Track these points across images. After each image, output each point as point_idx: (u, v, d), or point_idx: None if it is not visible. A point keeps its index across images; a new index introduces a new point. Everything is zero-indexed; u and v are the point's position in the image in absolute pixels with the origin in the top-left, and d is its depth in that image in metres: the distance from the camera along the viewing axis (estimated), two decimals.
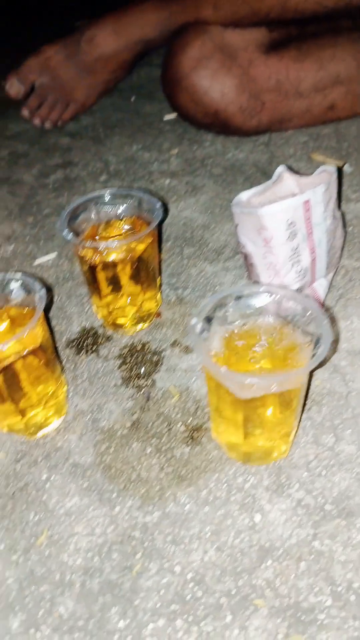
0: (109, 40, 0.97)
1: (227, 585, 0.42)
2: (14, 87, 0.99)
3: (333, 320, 0.61)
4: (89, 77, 1.03)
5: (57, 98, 1.03)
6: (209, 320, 0.46)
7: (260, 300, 0.47)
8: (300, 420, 0.52)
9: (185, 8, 0.89)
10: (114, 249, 0.55)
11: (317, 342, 0.43)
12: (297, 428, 0.51)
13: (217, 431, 0.49)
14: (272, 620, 0.40)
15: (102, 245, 0.55)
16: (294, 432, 0.48)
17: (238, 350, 0.46)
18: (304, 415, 0.52)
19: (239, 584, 0.42)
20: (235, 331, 0.47)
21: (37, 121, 1.04)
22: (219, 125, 0.91)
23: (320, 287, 0.62)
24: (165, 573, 0.43)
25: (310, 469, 0.48)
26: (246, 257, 0.61)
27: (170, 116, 1.03)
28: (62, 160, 0.97)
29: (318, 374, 0.56)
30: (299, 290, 0.59)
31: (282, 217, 0.55)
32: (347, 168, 0.83)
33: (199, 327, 0.44)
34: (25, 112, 1.03)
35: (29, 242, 0.79)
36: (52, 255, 0.76)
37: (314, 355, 0.41)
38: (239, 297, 0.47)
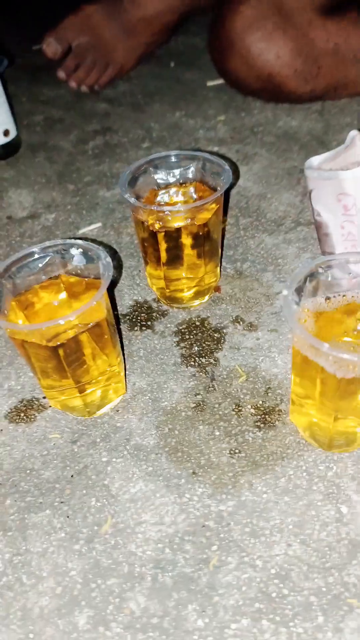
0: (154, 0, 0.91)
1: (316, 582, 0.38)
2: (51, 47, 0.93)
3: None
4: (129, 38, 0.97)
5: (95, 60, 0.97)
6: (299, 291, 0.41)
7: (355, 271, 0.43)
8: None
9: None
10: (180, 214, 0.51)
11: None
12: None
13: (299, 413, 0.45)
14: None
15: (167, 209, 0.50)
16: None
17: (330, 327, 0.41)
18: None
19: (329, 582, 0.38)
20: (327, 305, 0.42)
21: (73, 84, 0.99)
22: (271, 90, 0.85)
23: None
24: (245, 567, 0.39)
25: None
26: (320, 226, 0.56)
27: (215, 82, 0.98)
28: (101, 127, 0.92)
29: None
30: None
31: None
32: None
33: (291, 298, 0.40)
34: (61, 74, 0.98)
35: (70, 210, 0.74)
36: (97, 225, 0.71)
37: None
38: (329, 267, 0.42)
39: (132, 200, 0.51)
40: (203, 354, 0.54)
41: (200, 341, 0.55)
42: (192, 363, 0.53)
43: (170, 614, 0.38)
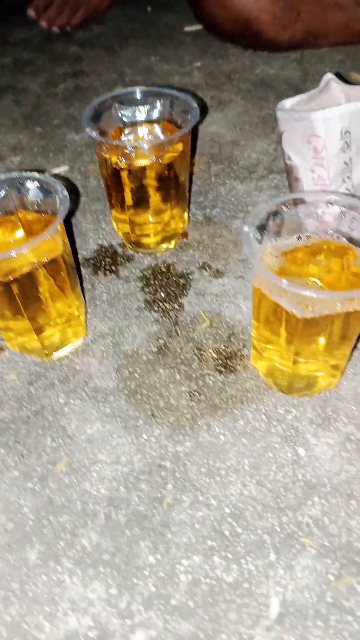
0: None
1: (270, 521, 0.38)
2: None
3: None
4: None
5: None
6: (262, 229, 0.40)
7: (320, 211, 0.42)
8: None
9: None
10: (144, 152, 0.49)
11: None
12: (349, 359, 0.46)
13: (259, 357, 0.44)
14: (321, 560, 0.36)
15: (129, 145, 0.48)
16: (346, 362, 0.43)
17: (293, 268, 0.40)
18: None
19: (283, 521, 0.38)
20: (291, 246, 0.41)
21: (43, 23, 0.94)
22: (249, 36, 0.82)
23: None
24: (200, 506, 0.39)
25: (359, 402, 0.44)
26: (291, 170, 0.54)
27: (192, 28, 0.94)
28: (72, 70, 0.88)
29: None
30: (347, 210, 0.53)
31: (337, 123, 0.48)
32: None
33: (252, 235, 0.38)
34: (31, 12, 0.93)
35: (37, 153, 0.71)
36: (64, 168, 0.69)
37: None
38: (295, 205, 0.41)
39: (94, 134, 0.48)
40: (167, 300, 0.52)
41: (165, 287, 0.54)
42: (156, 308, 0.52)
43: (122, 551, 0.37)
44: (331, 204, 0.41)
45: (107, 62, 0.89)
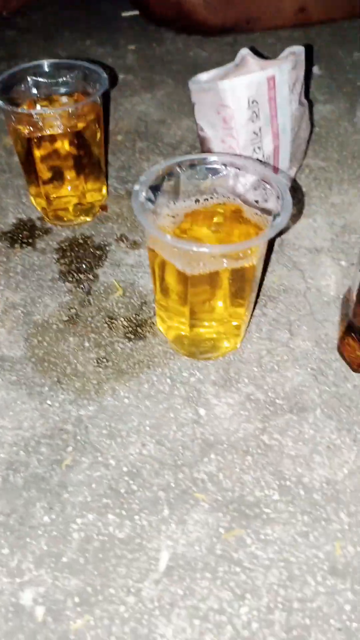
0: None
1: (166, 479, 0.38)
2: None
3: (296, 217, 0.56)
4: None
5: None
6: (155, 190, 0.40)
7: (215, 173, 0.42)
8: (252, 314, 0.47)
9: None
10: (52, 119, 0.49)
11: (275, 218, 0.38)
12: (249, 322, 0.46)
13: (162, 322, 0.44)
14: (213, 514, 0.37)
15: (34, 112, 0.48)
16: (245, 324, 0.44)
17: (189, 230, 0.41)
18: (258, 311, 0.48)
19: (179, 478, 0.38)
20: (185, 209, 0.42)
21: None
22: (182, 19, 0.83)
23: None
24: (98, 467, 0.39)
25: (261, 364, 0.45)
26: (203, 142, 0.55)
27: (129, 13, 0.94)
28: (7, 53, 0.87)
29: (276, 269, 0.52)
30: (260, 180, 0.54)
31: (244, 92, 0.49)
32: (316, 71, 0.77)
33: (142, 194, 0.39)
34: None
35: None
36: None
37: (272, 226, 0.36)
38: (191, 166, 0.41)
39: (1, 103, 0.48)
40: (82, 270, 0.52)
41: (81, 258, 0.54)
42: (70, 279, 0.52)
43: (18, 512, 0.37)
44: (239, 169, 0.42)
45: (43, 46, 0.88)
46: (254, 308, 0.47)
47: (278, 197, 0.39)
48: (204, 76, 0.55)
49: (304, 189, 0.59)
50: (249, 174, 0.42)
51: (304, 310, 0.48)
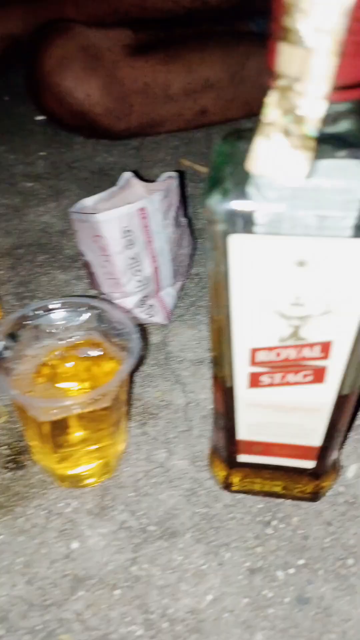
0: None
1: (33, 620, 0.39)
2: None
3: (176, 331, 0.59)
4: None
5: None
6: (13, 337, 0.42)
7: (76, 314, 0.45)
8: (131, 434, 0.49)
9: (49, 5, 0.85)
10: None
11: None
12: (124, 446, 0.48)
13: (34, 454, 0.46)
14: None
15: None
16: (114, 455, 0.46)
17: (48, 371, 0.43)
18: (139, 430, 0.50)
19: (46, 619, 0.39)
20: (45, 350, 0.44)
21: None
22: (87, 127, 0.88)
23: (167, 296, 0.60)
24: None
25: (137, 488, 0.46)
26: (87, 265, 0.58)
27: (43, 117, 0.99)
28: None
29: (160, 384, 0.54)
30: (143, 299, 0.57)
31: (117, 224, 0.53)
32: None
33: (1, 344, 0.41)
34: None
35: None
36: None
37: (117, 373, 0.39)
38: (51, 310, 0.44)
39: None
40: None
41: None
42: None
43: None
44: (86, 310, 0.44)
45: None
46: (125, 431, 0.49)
47: (130, 338, 0.41)
48: (88, 201, 0.58)
49: (192, 299, 0.63)
50: (109, 318, 0.44)
51: (182, 426, 0.50)
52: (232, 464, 0.43)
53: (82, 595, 0.40)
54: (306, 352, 0.33)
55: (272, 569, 0.41)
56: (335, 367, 0.34)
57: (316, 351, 0.33)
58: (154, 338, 0.58)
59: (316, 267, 0.29)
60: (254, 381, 0.35)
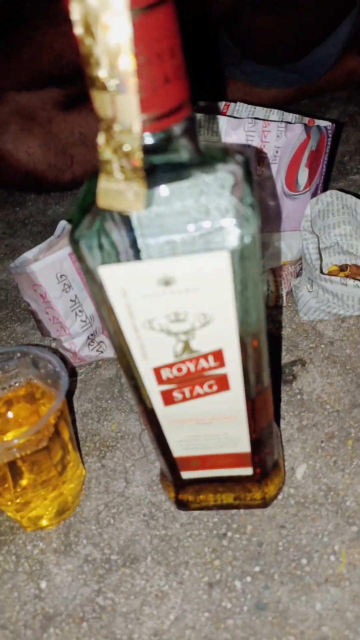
0: None
1: None
2: None
3: None
4: None
5: None
6: None
7: (12, 362, 0.47)
8: (88, 468, 0.51)
9: None
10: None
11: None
12: (80, 483, 0.50)
13: None
14: None
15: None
16: (70, 489, 0.47)
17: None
18: (98, 464, 0.52)
19: None
20: None
21: None
22: (35, 184, 0.92)
23: None
24: None
25: (99, 520, 0.47)
26: (33, 314, 0.61)
27: None
28: None
29: (115, 417, 0.56)
30: (91, 337, 0.59)
31: (51, 271, 0.55)
32: None
33: None
34: None
35: None
36: None
37: (41, 420, 0.41)
38: None
39: None
40: None
41: None
42: None
43: None
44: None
45: None
46: (85, 463, 0.51)
47: (59, 377, 0.43)
48: (29, 254, 0.61)
49: None
50: (43, 362, 0.46)
51: (138, 454, 0.52)
52: (179, 483, 0.44)
53: (52, 632, 0.41)
54: (203, 363, 0.35)
55: (230, 580, 0.42)
56: (234, 373, 0.35)
57: (211, 361, 0.35)
58: (107, 373, 0.60)
59: (181, 284, 0.31)
60: (168, 399, 0.37)
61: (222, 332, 0.33)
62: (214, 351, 0.34)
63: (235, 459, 0.42)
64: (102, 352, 0.60)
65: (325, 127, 0.62)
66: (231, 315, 0.32)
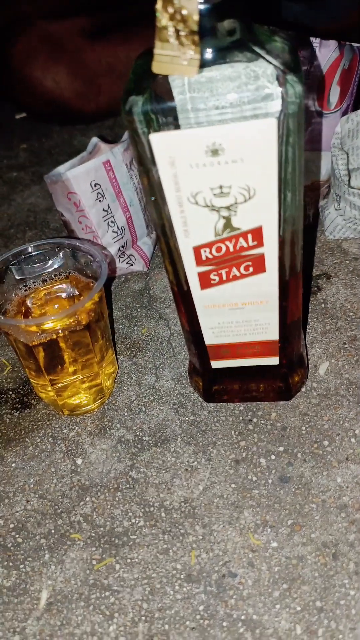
0: None
1: (47, 527, 0.44)
2: None
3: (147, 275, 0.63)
4: None
5: None
6: (2, 274, 0.47)
7: (53, 254, 0.49)
8: (120, 365, 0.54)
9: (6, 6, 0.91)
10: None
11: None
12: (114, 374, 0.52)
13: (37, 391, 0.50)
14: (87, 550, 0.42)
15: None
16: (107, 379, 0.50)
17: (33, 308, 0.47)
18: (129, 362, 0.54)
19: (58, 524, 0.44)
20: (27, 290, 0.48)
21: None
22: (61, 113, 0.93)
23: (144, 245, 0.64)
24: None
25: (131, 408, 0.50)
26: (65, 225, 0.62)
27: (22, 115, 1.05)
28: None
29: (145, 322, 0.58)
30: (122, 249, 0.61)
31: (85, 179, 0.57)
32: None
33: None
34: None
35: None
36: None
37: (89, 295, 0.43)
38: (29, 254, 0.49)
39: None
40: None
41: None
42: None
43: None
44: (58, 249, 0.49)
45: None
46: (118, 360, 0.54)
47: (100, 266, 0.46)
48: (61, 168, 0.63)
49: None
50: (83, 254, 0.49)
51: (167, 354, 0.54)
52: (208, 374, 0.47)
53: (89, 500, 0.45)
54: (242, 242, 0.37)
55: (255, 458, 0.45)
56: (271, 253, 0.37)
57: (250, 240, 0.36)
58: (137, 286, 0.63)
59: (228, 154, 0.32)
60: (205, 281, 0.39)
61: (263, 208, 0.35)
62: (254, 229, 0.36)
63: (263, 347, 0.44)
64: (131, 265, 0.63)
65: (358, 47, 0.62)
66: (273, 188, 0.34)
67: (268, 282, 0.39)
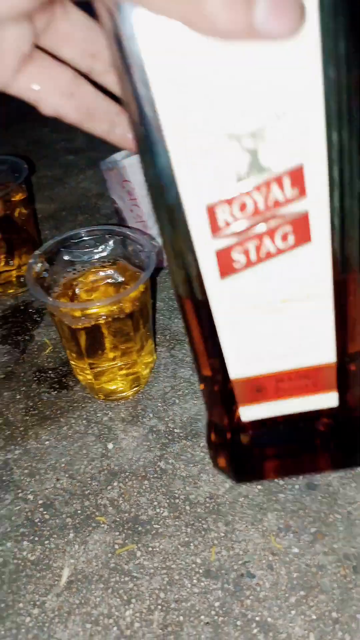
0: None
1: (74, 507, 0.45)
2: None
3: None
4: None
5: None
6: (50, 260, 0.48)
7: (103, 241, 0.50)
8: (158, 357, 0.54)
9: None
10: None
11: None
12: (152, 364, 0.53)
13: (76, 374, 0.51)
14: (110, 534, 0.43)
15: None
16: (144, 368, 0.51)
17: (79, 292, 0.48)
18: (167, 354, 0.55)
19: (85, 505, 0.45)
20: (75, 274, 0.49)
21: None
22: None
23: None
24: (18, 502, 0.46)
25: (165, 399, 0.51)
26: (117, 212, 0.63)
27: None
28: None
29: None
30: None
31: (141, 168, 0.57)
32: None
33: (37, 266, 0.47)
34: None
35: None
36: None
37: (135, 285, 0.44)
38: (81, 238, 0.49)
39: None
40: (20, 333, 0.60)
41: (21, 322, 0.62)
42: (10, 341, 0.60)
43: None
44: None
45: (2, 135, 1.00)
46: (156, 351, 0.54)
47: (148, 257, 0.46)
48: (118, 156, 0.64)
49: None
50: (133, 243, 0.49)
51: None
52: (234, 434, 0.37)
53: (116, 485, 0.45)
54: (276, 193, 0.25)
55: None
56: (319, 209, 0.26)
57: (287, 187, 0.25)
58: None
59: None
60: (226, 264, 0.27)
61: (303, 131, 0.23)
62: (293, 170, 0.24)
63: (314, 378, 0.32)
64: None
65: None
66: (318, 96, 0.22)
67: (316, 260, 0.27)
